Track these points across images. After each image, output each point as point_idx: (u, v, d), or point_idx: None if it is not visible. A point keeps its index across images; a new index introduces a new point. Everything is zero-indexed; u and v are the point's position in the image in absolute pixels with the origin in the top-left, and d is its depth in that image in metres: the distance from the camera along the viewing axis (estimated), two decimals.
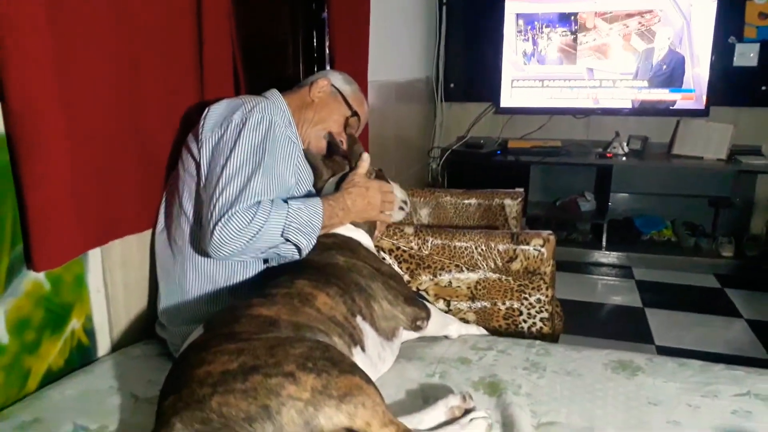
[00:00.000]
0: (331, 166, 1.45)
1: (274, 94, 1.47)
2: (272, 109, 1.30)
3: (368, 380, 0.92)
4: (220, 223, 1.12)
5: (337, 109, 1.52)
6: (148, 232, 1.39)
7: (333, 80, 1.55)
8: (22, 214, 1.05)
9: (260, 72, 1.99)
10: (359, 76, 2.40)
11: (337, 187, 1.38)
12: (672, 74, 3.56)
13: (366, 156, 1.40)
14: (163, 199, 1.39)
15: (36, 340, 1.14)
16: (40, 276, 1.13)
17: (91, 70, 1.15)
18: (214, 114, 1.28)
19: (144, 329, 1.41)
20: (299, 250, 1.21)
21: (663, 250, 3.56)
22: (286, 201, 1.20)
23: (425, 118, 3.97)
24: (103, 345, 1.31)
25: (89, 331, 1.27)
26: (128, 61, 1.25)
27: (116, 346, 1.34)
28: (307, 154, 1.43)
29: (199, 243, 1.23)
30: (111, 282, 1.31)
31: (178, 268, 1.30)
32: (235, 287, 1.28)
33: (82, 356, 1.25)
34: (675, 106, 3.61)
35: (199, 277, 1.28)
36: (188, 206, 1.29)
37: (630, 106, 3.66)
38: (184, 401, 0.82)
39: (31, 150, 1.02)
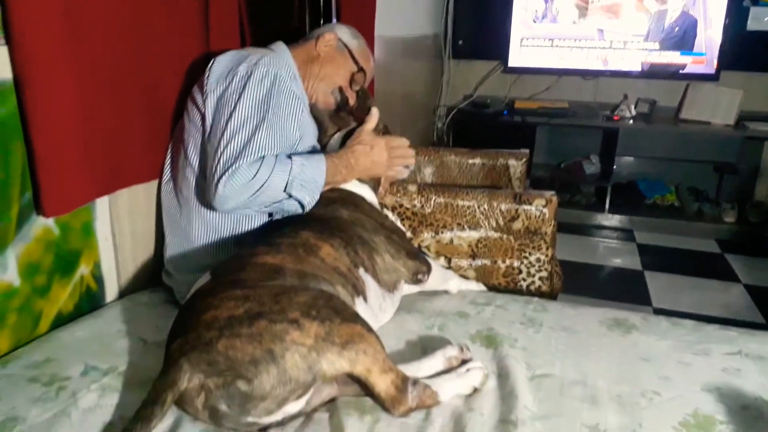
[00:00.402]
0: (337, 121, 1.45)
1: (279, 47, 1.45)
2: (277, 62, 1.29)
3: (369, 329, 0.95)
4: (223, 178, 1.14)
5: (343, 64, 1.51)
6: (154, 182, 1.41)
7: (340, 34, 1.53)
8: (31, 161, 1.07)
9: (265, 23, 1.97)
10: (366, 30, 2.37)
11: (343, 143, 1.38)
12: (684, 37, 3.50)
13: (375, 111, 1.39)
14: (169, 149, 1.40)
15: (46, 284, 1.17)
16: (50, 222, 1.15)
17: (97, 17, 1.15)
18: (219, 65, 1.28)
19: (150, 277, 1.44)
20: (302, 206, 1.23)
21: (665, 215, 3.58)
22: (290, 157, 1.21)
23: (432, 75, 3.93)
24: (111, 291, 1.35)
25: (98, 278, 1.30)
26: (134, 7, 1.24)
27: (123, 293, 1.37)
28: (313, 110, 1.43)
29: (204, 195, 1.24)
30: (118, 230, 1.33)
31: (184, 219, 1.32)
32: (240, 238, 1.30)
33: (91, 301, 1.28)
34: (685, 70, 3.56)
35: (205, 228, 1.30)
36: (194, 157, 1.30)
37: (639, 68, 3.61)
38: (191, 344, 0.85)
39: (38, 96, 1.03)
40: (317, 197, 1.24)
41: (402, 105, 3.26)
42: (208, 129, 1.25)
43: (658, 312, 2.53)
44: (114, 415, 0.92)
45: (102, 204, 1.28)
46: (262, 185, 1.15)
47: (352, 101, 1.50)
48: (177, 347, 0.87)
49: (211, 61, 1.29)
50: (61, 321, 1.20)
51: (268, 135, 1.20)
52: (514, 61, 3.79)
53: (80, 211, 1.21)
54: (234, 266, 1.02)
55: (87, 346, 1.10)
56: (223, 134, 1.19)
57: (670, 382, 1.06)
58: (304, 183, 1.20)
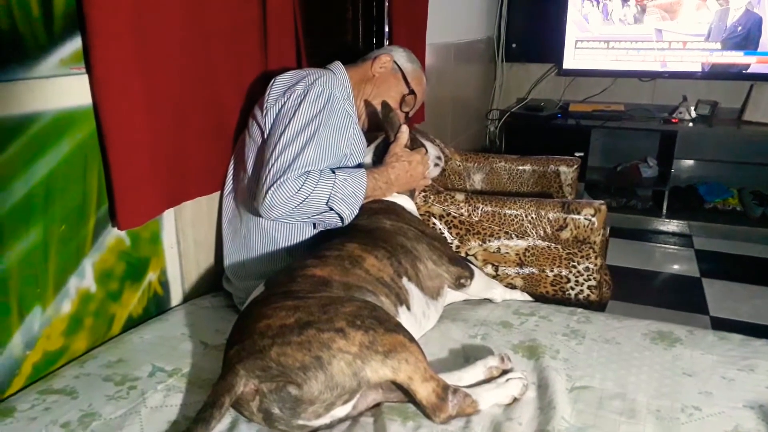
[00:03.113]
0: (368, 137, 1.52)
1: (337, 66, 1.52)
2: (333, 82, 1.37)
3: (411, 339, 1.00)
4: (272, 188, 1.21)
5: (395, 86, 1.57)
6: (216, 193, 1.51)
7: (396, 57, 1.59)
8: (107, 179, 1.17)
9: (320, 38, 2.05)
10: (418, 40, 2.42)
11: (375, 155, 1.45)
12: (747, 36, 3.38)
13: (405, 128, 1.45)
14: (231, 163, 1.49)
15: (119, 290, 1.28)
16: (122, 233, 1.26)
17: (166, 45, 1.24)
18: (279, 84, 1.36)
19: (212, 282, 1.54)
20: (341, 219, 1.29)
21: (727, 220, 3.46)
22: (333, 171, 1.27)
23: (485, 79, 3.93)
24: (176, 296, 1.45)
25: (164, 283, 1.41)
26: (199, 35, 1.33)
27: (187, 297, 1.48)
28: None
29: (253, 203, 1.33)
30: (183, 239, 1.43)
31: (244, 229, 1.41)
32: (292, 248, 1.38)
33: (157, 305, 1.39)
34: (749, 70, 3.44)
35: (262, 238, 1.39)
36: (252, 171, 1.39)
37: (700, 69, 3.51)
38: (247, 351, 0.93)
39: (114, 119, 1.13)
40: (356, 211, 1.31)
41: (454, 109, 3.28)
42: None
43: (716, 321, 2.47)
44: (178, 414, 1.01)
45: (168, 215, 1.38)
46: (307, 197, 1.22)
47: (401, 120, 1.55)
48: (234, 354, 0.94)
49: (272, 81, 1.38)
50: (132, 323, 1.31)
51: (317, 151, 1.27)
52: (568, 63, 3.76)
53: (149, 222, 1.32)
54: (285, 279, 1.10)
55: (154, 348, 1.20)
56: (275, 147, 1.27)
57: (711, 397, 1.06)
58: (345, 197, 1.27)
